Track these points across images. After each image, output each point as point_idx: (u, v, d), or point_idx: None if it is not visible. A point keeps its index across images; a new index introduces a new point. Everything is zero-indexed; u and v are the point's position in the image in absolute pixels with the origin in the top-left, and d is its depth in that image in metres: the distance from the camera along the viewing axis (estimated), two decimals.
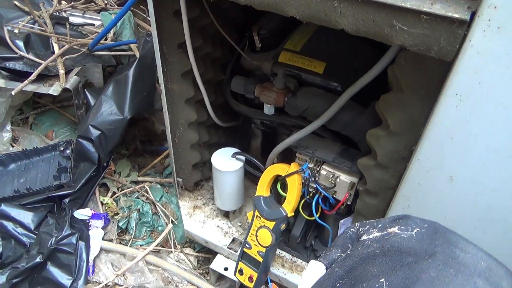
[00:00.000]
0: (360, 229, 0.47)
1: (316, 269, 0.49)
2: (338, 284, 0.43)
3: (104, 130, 1.19)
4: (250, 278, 0.92)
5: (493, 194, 0.55)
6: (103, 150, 1.21)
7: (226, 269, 1.03)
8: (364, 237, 0.45)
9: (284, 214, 0.85)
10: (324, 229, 0.98)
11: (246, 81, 0.88)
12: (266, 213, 0.87)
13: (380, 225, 0.45)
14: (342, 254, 0.46)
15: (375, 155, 0.69)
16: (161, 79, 0.87)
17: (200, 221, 1.10)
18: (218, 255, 1.07)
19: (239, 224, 1.10)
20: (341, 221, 0.89)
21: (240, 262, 0.94)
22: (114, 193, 1.31)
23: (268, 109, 0.87)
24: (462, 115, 0.51)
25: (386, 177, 0.70)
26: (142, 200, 1.30)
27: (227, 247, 1.03)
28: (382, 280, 0.38)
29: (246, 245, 0.92)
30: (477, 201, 0.57)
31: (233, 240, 1.05)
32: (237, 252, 1.02)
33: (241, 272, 0.94)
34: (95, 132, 1.19)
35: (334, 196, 0.85)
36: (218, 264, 1.04)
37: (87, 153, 1.20)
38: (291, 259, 1.02)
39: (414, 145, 0.62)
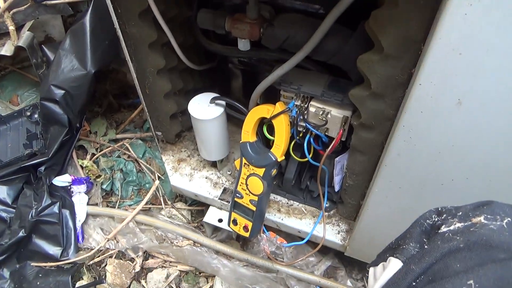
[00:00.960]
0: (437, 219, 0.41)
1: (392, 266, 0.42)
2: (414, 283, 0.37)
3: (68, 89, 1.08)
4: (245, 228, 0.87)
5: (508, 118, 0.48)
6: (71, 110, 1.10)
7: (220, 220, 0.99)
8: (443, 229, 0.38)
9: (274, 159, 0.78)
10: (318, 169, 0.92)
11: (213, 14, 0.77)
12: (254, 160, 0.80)
13: (461, 213, 0.39)
14: (418, 250, 0.41)
15: (368, 84, 0.60)
16: (115, 23, 0.75)
17: (186, 174, 1.03)
18: (210, 207, 1.01)
19: (229, 173, 1.03)
20: (336, 158, 0.83)
21: (232, 213, 0.89)
22: (93, 154, 1.23)
23: (243, 45, 0.76)
24: (472, 24, 0.42)
25: (382, 108, 0.62)
26: (124, 159, 1.22)
27: (219, 198, 0.98)
28: (471, 282, 0.32)
29: (237, 194, 0.86)
30: (490, 127, 0.50)
31: (224, 190, 1.00)
32: (229, 202, 0.97)
33: (235, 222, 0.89)
34: (58, 92, 1.08)
35: (326, 134, 0.77)
36: (211, 216, 1.00)
37: (54, 116, 1.10)
38: (287, 203, 0.97)
39: (413, 68, 0.53)
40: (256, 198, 0.83)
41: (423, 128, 0.54)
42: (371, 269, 0.51)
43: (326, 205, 0.92)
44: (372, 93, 0.61)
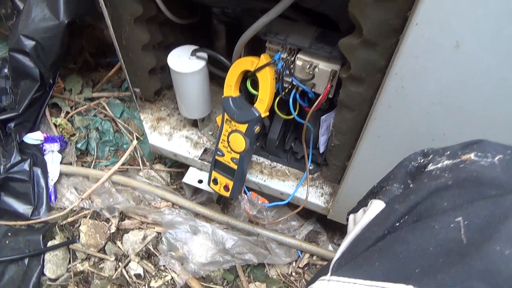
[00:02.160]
0: (422, 160, 0.39)
1: (374, 207, 0.39)
2: (397, 224, 0.34)
3: (39, 40, 1.00)
4: (226, 187, 0.84)
5: (509, 65, 0.45)
6: (43, 64, 1.03)
7: (200, 181, 0.95)
8: (430, 167, 0.36)
9: (257, 114, 0.74)
10: (303, 129, 0.89)
11: None
12: (237, 115, 0.76)
13: (449, 152, 0.36)
14: (403, 191, 0.38)
15: (360, 31, 0.56)
16: None
17: (166, 133, 0.99)
18: (190, 168, 0.98)
19: (210, 133, 0.99)
20: (322, 117, 0.79)
21: (213, 171, 0.85)
22: (67, 113, 1.17)
23: None
24: None
25: (374, 57, 0.58)
26: (101, 118, 1.16)
27: (199, 159, 0.94)
28: (459, 219, 0.29)
29: (218, 152, 0.82)
30: (488, 75, 0.47)
31: (205, 150, 0.96)
32: (210, 163, 0.93)
33: (215, 181, 0.86)
34: (28, 43, 1.00)
35: (313, 90, 0.74)
36: (191, 177, 0.96)
37: (25, 69, 1.03)
38: (270, 165, 0.94)
39: (408, 11, 0.49)
40: (237, 156, 0.79)
41: (416, 75, 0.51)
42: (351, 216, 0.49)
43: (310, 167, 0.89)
44: (363, 40, 0.57)
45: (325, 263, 1.01)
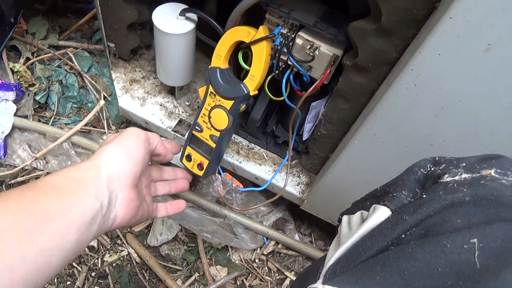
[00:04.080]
0: (433, 169, 0.36)
1: (379, 214, 0.36)
2: (403, 236, 0.32)
3: None
4: (200, 166, 0.78)
5: None
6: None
7: None
8: (446, 178, 0.33)
9: (246, 92, 0.67)
10: (288, 113, 0.84)
11: None
12: (223, 89, 0.69)
13: (464, 164, 0.33)
14: (412, 200, 0.35)
15: (377, 16, 0.51)
16: None
17: (139, 97, 0.90)
18: None
19: (187, 103, 0.92)
20: (313, 103, 0.74)
21: (188, 147, 0.78)
22: (27, 59, 1.05)
23: None
24: None
25: (386, 48, 0.53)
26: (66, 70, 1.05)
27: (172, 130, 0.87)
28: (474, 240, 0.28)
29: (196, 127, 0.75)
30: None
31: (180, 121, 0.88)
32: (184, 136, 0.86)
33: (188, 158, 0.79)
34: None
35: (309, 73, 0.68)
36: None
37: None
38: (248, 146, 0.88)
39: (438, 1, 0.44)
40: (217, 134, 0.73)
41: (434, 74, 0.47)
42: (345, 217, 0.45)
43: (291, 154, 0.85)
44: (379, 27, 0.52)
45: (289, 252, 0.98)
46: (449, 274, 0.28)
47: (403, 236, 0.33)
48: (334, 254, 0.39)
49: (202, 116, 0.73)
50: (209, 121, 0.72)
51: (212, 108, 0.71)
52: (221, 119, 0.71)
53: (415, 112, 0.53)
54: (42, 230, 0.38)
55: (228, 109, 0.69)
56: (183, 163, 0.80)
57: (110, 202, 0.47)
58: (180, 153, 0.80)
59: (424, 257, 0.30)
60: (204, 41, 0.88)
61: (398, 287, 0.31)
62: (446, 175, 0.34)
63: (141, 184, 0.58)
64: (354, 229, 0.40)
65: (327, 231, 1.03)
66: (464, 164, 0.34)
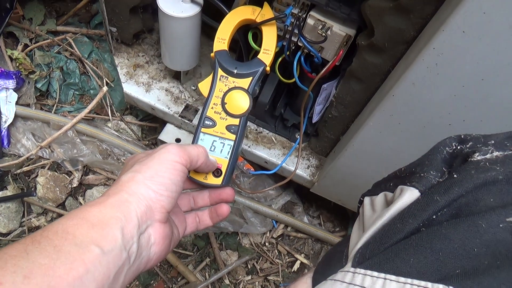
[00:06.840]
0: (459, 147, 0.35)
1: (408, 195, 0.34)
2: (435, 217, 0.31)
3: None
4: (217, 171, 0.62)
5: None
6: None
7: (178, 140, 0.87)
8: (477, 157, 0.32)
9: (263, 66, 0.64)
10: (297, 96, 0.82)
11: None
12: (238, 68, 0.65)
13: (493, 141, 0.32)
14: (440, 179, 0.34)
15: None
16: None
17: (143, 83, 0.88)
18: (168, 124, 0.89)
19: (193, 88, 0.90)
20: (324, 85, 0.73)
21: None
22: (26, 46, 1.02)
23: None
24: None
25: (404, 26, 0.52)
26: (66, 56, 1.02)
27: (179, 116, 0.85)
28: (510, 219, 0.27)
29: (206, 122, 0.63)
30: None
31: (187, 107, 0.87)
32: (191, 121, 0.85)
33: None
34: None
35: (320, 54, 0.66)
36: (168, 134, 0.87)
37: None
38: (256, 130, 0.87)
39: None
40: (237, 122, 0.63)
41: (457, 52, 0.45)
42: (367, 199, 0.44)
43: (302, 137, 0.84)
44: (397, 5, 0.50)
45: (299, 235, 0.98)
46: (486, 254, 0.28)
47: (434, 217, 0.33)
48: (362, 237, 0.38)
49: (212, 107, 0.64)
50: (224, 109, 0.66)
51: (226, 93, 0.66)
52: (240, 101, 0.64)
53: (434, 92, 0.52)
54: None
55: (247, 88, 0.65)
56: (190, 177, 0.61)
57: (141, 247, 0.40)
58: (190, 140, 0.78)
59: (458, 238, 0.30)
60: (208, 23, 0.85)
61: (434, 268, 0.30)
62: (477, 153, 0.34)
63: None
64: (379, 211, 0.39)
65: (335, 213, 1.03)
66: (492, 141, 0.34)
